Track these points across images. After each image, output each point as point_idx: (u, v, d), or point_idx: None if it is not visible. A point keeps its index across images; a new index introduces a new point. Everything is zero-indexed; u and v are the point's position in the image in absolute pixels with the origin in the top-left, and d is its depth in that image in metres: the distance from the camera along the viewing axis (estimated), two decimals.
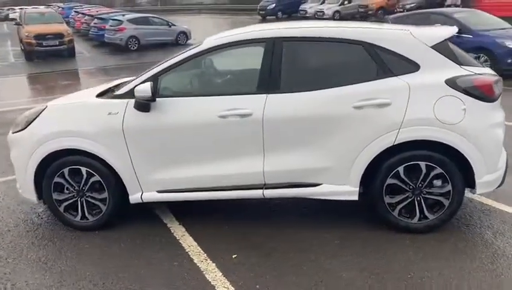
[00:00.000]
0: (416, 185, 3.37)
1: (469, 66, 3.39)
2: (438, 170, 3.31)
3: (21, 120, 3.88)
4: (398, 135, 3.26)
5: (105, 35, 20.49)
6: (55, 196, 3.77)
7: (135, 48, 19.57)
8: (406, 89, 3.27)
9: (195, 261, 3.29)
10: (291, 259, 3.26)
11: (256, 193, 3.56)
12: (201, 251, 3.41)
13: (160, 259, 3.33)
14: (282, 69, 3.44)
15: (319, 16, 31.98)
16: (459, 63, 3.36)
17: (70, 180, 3.72)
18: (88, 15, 26.54)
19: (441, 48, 3.36)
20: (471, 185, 3.37)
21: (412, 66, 3.33)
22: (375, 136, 3.29)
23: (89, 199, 3.75)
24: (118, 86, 4.23)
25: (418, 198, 3.40)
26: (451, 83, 3.26)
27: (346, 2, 31.80)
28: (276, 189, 3.54)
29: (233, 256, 3.33)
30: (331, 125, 3.35)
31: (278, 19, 35.00)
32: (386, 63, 3.35)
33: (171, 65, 3.58)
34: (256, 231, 3.67)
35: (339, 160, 3.40)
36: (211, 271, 3.15)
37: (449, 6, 24.27)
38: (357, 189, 3.44)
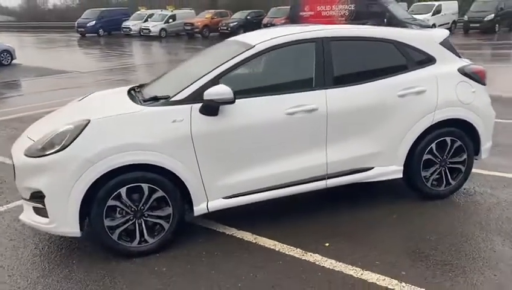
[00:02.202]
0: (443, 157, 4.05)
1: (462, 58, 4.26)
2: (458, 143, 4.05)
3: (47, 141, 3.24)
4: (434, 116, 3.89)
5: None
6: (107, 222, 3.27)
7: None
8: (434, 77, 3.93)
9: (296, 256, 3.32)
10: (371, 234, 3.57)
11: (320, 184, 3.76)
12: (291, 247, 3.44)
13: (260, 265, 3.24)
14: (334, 65, 3.74)
15: (145, 34, 31.78)
16: (458, 55, 4.19)
17: (127, 201, 3.29)
18: None
19: (445, 44, 4.14)
20: (476, 152, 4.21)
21: (431, 59, 4.02)
22: (416, 119, 3.86)
23: (149, 219, 3.37)
24: (139, 92, 3.92)
25: (444, 168, 4.09)
26: (461, 71, 4.05)
27: (171, 20, 32.31)
28: (337, 178, 3.80)
29: (326, 244, 3.47)
30: (381, 113, 3.79)
31: (100, 37, 33.50)
32: (413, 57, 3.97)
33: (230, 67, 3.52)
34: (316, 220, 3.85)
35: (388, 144, 3.86)
36: (321, 261, 3.24)
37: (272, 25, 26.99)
38: (402, 168, 3.95)
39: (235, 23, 30.71)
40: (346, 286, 2.94)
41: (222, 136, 3.42)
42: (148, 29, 31.63)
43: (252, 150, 3.54)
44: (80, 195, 3.17)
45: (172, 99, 3.42)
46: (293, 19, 19.48)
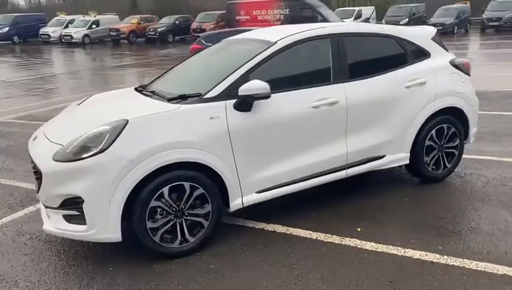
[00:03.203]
0: (441, 143, 4.42)
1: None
2: (453, 129, 4.44)
3: (80, 144, 3.08)
4: (435, 105, 4.23)
5: None
6: (149, 224, 3.18)
7: None
8: (431, 70, 4.28)
9: (336, 242, 3.45)
10: (393, 217, 3.82)
11: (341, 174, 3.94)
12: (327, 234, 3.56)
13: (305, 253, 3.33)
14: (348, 60, 3.94)
15: (66, 40, 30.25)
16: (446, 50, 4.60)
17: (169, 201, 3.22)
18: None
19: (435, 39, 4.52)
20: (465, 137, 4.63)
21: (426, 53, 4.37)
22: (420, 108, 4.18)
23: (189, 218, 3.33)
24: (153, 92, 3.85)
25: (441, 153, 4.46)
26: (452, 63, 4.45)
27: (94, 26, 31.05)
28: (356, 167, 4.00)
29: (358, 229, 3.64)
30: (391, 104, 4.06)
31: (15, 44, 31.28)
32: (411, 51, 4.29)
33: (257, 63, 3.58)
34: (336, 209, 4.01)
35: (398, 132, 4.13)
36: (361, 244, 3.39)
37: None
38: (409, 154, 4.25)
39: (163, 28, 30.30)
40: (396, 264, 3.13)
41: (256, 131, 3.47)
42: (70, 35, 30.17)
43: (282, 143, 3.62)
44: (122, 198, 3.05)
45: (206, 96, 3.41)
46: (229, 22, 19.69)
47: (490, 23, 26.23)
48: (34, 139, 3.59)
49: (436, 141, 4.38)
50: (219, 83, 3.47)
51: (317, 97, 3.72)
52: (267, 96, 3.38)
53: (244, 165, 3.46)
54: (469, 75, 4.59)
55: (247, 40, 4.25)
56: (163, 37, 30.00)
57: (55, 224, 3.23)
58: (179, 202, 3.26)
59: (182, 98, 3.47)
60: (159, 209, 3.21)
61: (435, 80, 4.26)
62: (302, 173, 3.74)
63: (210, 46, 13.90)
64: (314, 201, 4.16)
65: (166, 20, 31.17)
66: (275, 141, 3.58)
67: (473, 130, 4.63)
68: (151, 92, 3.92)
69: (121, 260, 3.35)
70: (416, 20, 28.17)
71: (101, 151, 3.03)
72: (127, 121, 3.13)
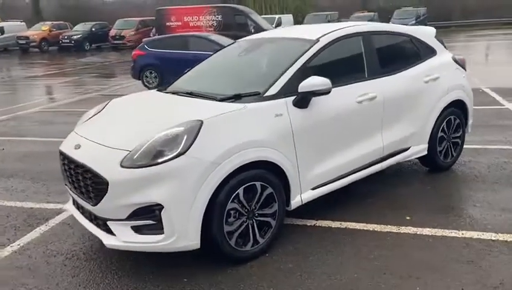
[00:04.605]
0: (449, 134, 4.76)
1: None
2: (458, 120, 4.80)
3: (150, 148, 2.87)
4: (447, 98, 4.55)
5: None
6: (226, 228, 3.04)
7: None
8: (441, 66, 4.61)
9: (395, 231, 3.56)
10: (428, 203, 4.04)
11: (377, 167, 4.08)
12: (382, 225, 3.66)
13: (373, 243, 3.39)
14: (378, 56, 4.11)
15: None
16: (446, 48, 4.97)
17: (243, 202, 3.11)
18: None
19: (438, 39, 4.86)
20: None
21: (433, 51, 4.69)
22: (436, 101, 4.47)
23: (259, 218, 3.23)
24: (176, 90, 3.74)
25: (449, 143, 4.80)
26: (454, 60, 4.82)
27: None
28: (388, 159, 4.16)
29: (407, 218, 3.79)
30: (416, 97, 4.30)
31: None
32: (423, 49, 4.59)
33: (307, 60, 3.60)
34: (373, 201, 4.14)
35: (420, 125, 4.38)
36: (421, 231, 3.53)
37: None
38: (427, 145, 4.51)
39: (79, 36, 28.68)
40: (462, 245, 3.31)
41: (312, 127, 3.48)
42: None
43: (333, 139, 3.68)
44: (204, 202, 2.89)
45: (266, 94, 3.35)
46: (160, 29, 19.20)
47: None
48: (77, 148, 3.24)
49: (446, 131, 4.70)
50: (276, 81, 3.42)
51: (359, 93, 3.82)
52: (327, 92, 3.40)
53: (303, 161, 3.44)
54: (465, 70, 5.00)
55: (279, 39, 4.26)
56: (79, 45, 28.35)
57: (121, 237, 2.95)
58: (250, 203, 3.16)
59: (236, 98, 3.37)
60: (232, 212, 3.08)
61: (445, 75, 4.58)
62: (349, 168, 3.82)
63: (154, 51, 13.90)
64: (341, 195, 4.16)
65: (82, 27, 29.53)
66: (328, 137, 3.62)
67: (470, 121, 5.04)
68: (189, 93, 3.75)
69: (188, 269, 3.15)
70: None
71: (180, 154, 2.84)
72: (202, 122, 2.97)
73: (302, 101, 3.39)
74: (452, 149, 4.83)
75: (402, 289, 2.83)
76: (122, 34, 28.11)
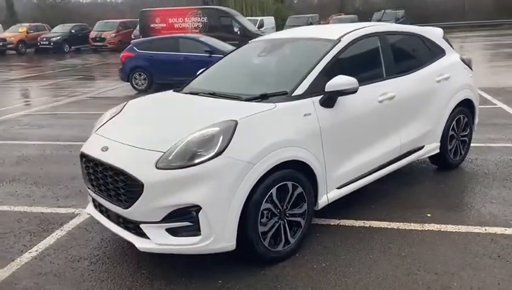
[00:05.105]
0: (458, 132, 4.84)
1: None
2: (466, 119, 4.90)
3: (184, 148, 2.83)
4: (457, 97, 4.63)
5: None
6: (261, 228, 3.02)
7: None
8: (451, 65, 4.69)
9: (419, 229, 3.60)
10: (446, 201, 4.10)
11: (395, 166, 4.11)
12: (405, 223, 3.68)
13: (400, 241, 3.43)
14: (394, 56, 4.15)
15: None
16: (453, 48, 5.06)
17: (276, 202, 3.09)
18: None
19: (446, 39, 4.95)
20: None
21: (443, 51, 4.77)
22: (448, 100, 4.54)
23: (290, 218, 3.22)
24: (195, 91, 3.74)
25: (458, 142, 4.89)
26: (462, 60, 4.91)
27: None
28: (404, 158, 4.20)
29: (428, 215, 3.83)
30: (429, 97, 4.36)
31: None
32: (434, 49, 4.66)
33: (330, 60, 3.60)
34: (391, 200, 4.18)
35: (433, 123, 4.44)
36: (445, 227, 3.58)
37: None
38: (439, 144, 4.58)
39: (58, 38, 28.10)
40: (488, 240, 3.37)
41: (338, 127, 3.49)
42: None
43: (357, 138, 3.70)
44: (240, 202, 2.86)
45: (294, 94, 3.34)
46: (144, 30, 18.96)
47: None
48: (105, 150, 3.16)
49: (456, 130, 4.79)
50: (302, 81, 3.42)
51: (379, 92, 3.86)
52: (355, 91, 3.41)
53: (330, 161, 3.45)
54: (472, 70, 5.11)
55: (299, 39, 4.26)
56: (58, 47, 27.78)
57: (156, 240, 2.89)
58: (282, 203, 3.15)
59: (263, 98, 3.36)
60: (265, 212, 3.06)
61: (455, 74, 4.66)
62: (370, 167, 3.84)
63: (143, 53, 13.80)
64: (357, 195, 4.14)
65: (60, 29, 28.95)
66: (352, 136, 3.64)
67: (476, 120, 5.14)
68: (211, 93, 3.71)
69: (220, 271, 3.11)
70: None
71: (217, 154, 2.81)
72: (237, 122, 2.94)
73: (329, 100, 3.40)
74: (461, 147, 4.92)
75: (439, 285, 2.86)
76: (102, 36, 27.68)
